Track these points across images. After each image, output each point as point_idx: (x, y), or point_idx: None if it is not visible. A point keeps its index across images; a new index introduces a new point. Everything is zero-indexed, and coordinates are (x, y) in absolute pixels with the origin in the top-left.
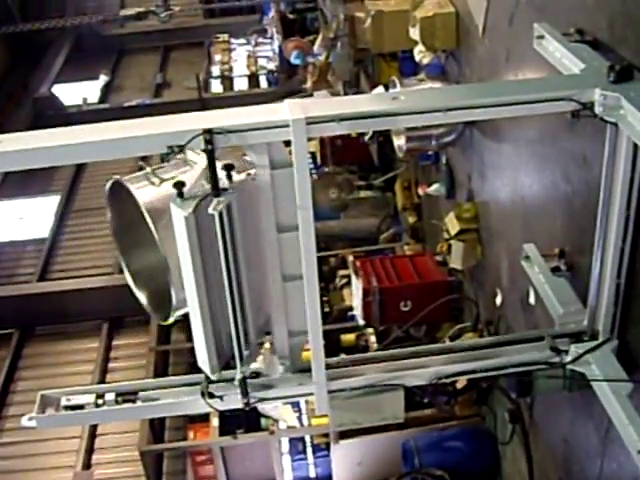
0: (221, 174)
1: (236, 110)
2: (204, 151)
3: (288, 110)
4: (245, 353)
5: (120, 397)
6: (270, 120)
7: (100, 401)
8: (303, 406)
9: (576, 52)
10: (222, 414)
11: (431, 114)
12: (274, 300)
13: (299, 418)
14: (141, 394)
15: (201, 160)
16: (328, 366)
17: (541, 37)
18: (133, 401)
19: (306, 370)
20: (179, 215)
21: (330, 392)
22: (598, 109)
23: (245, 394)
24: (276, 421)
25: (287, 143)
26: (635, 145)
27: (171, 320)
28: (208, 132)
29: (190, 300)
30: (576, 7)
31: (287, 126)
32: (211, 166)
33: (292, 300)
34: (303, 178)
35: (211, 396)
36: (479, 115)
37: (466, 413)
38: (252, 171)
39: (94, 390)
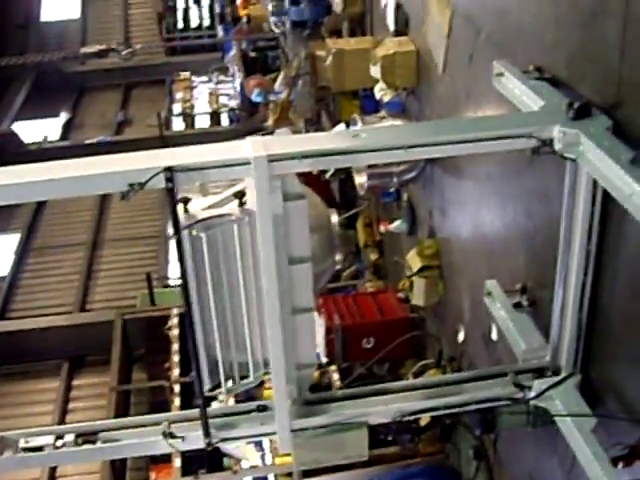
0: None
1: (197, 148)
2: (165, 189)
3: (250, 148)
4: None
5: (80, 438)
6: (232, 158)
7: (59, 442)
8: (266, 445)
9: (535, 89)
10: (184, 454)
11: (392, 151)
12: (281, 333)
13: (262, 457)
14: (101, 435)
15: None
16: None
17: (500, 74)
18: (93, 442)
19: (313, 403)
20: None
21: (293, 431)
22: (558, 146)
23: (207, 434)
24: (239, 460)
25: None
26: (594, 181)
27: None
28: (169, 170)
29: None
30: (535, 45)
31: (249, 164)
32: (171, 203)
33: (300, 332)
34: (266, 216)
35: (172, 436)
36: (440, 152)
37: (430, 450)
38: None
39: (53, 431)
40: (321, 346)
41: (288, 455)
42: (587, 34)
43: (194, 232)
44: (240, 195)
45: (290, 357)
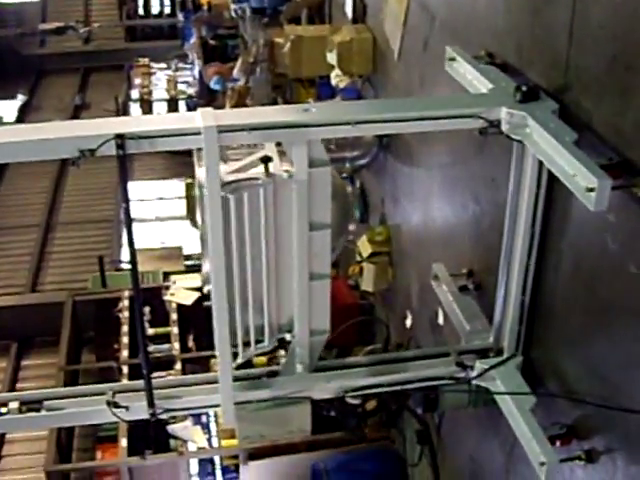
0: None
1: (149, 117)
2: (116, 156)
3: (200, 118)
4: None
5: (24, 406)
6: (182, 127)
7: (3, 409)
8: (213, 428)
9: (485, 73)
10: (131, 435)
11: (341, 126)
12: (298, 297)
13: (209, 440)
14: (46, 403)
15: (268, 146)
16: (237, 379)
17: (453, 59)
18: (37, 410)
19: (322, 369)
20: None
21: (237, 404)
22: (505, 127)
23: (151, 404)
24: (185, 442)
25: None
26: (540, 162)
27: None
28: (120, 137)
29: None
30: (487, 32)
31: (199, 134)
32: (122, 170)
33: (316, 298)
34: (213, 186)
35: (117, 406)
36: (388, 129)
37: (375, 435)
38: (290, 168)
39: None
40: None
41: (234, 438)
42: (537, 20)
43: (222, 193)
44: (266, 160)
45: (304, 323)
